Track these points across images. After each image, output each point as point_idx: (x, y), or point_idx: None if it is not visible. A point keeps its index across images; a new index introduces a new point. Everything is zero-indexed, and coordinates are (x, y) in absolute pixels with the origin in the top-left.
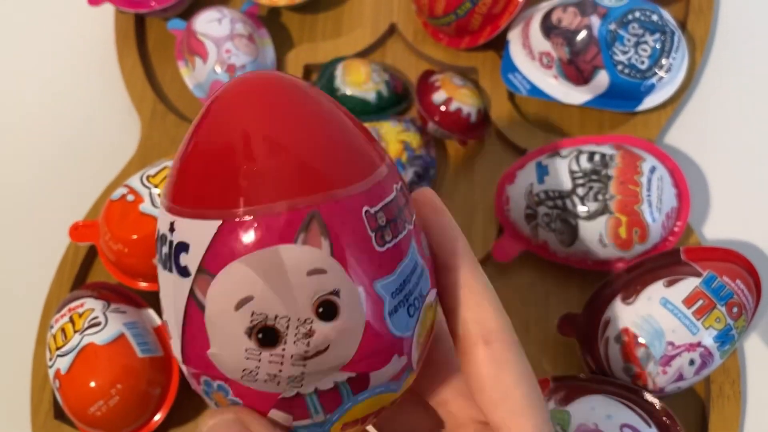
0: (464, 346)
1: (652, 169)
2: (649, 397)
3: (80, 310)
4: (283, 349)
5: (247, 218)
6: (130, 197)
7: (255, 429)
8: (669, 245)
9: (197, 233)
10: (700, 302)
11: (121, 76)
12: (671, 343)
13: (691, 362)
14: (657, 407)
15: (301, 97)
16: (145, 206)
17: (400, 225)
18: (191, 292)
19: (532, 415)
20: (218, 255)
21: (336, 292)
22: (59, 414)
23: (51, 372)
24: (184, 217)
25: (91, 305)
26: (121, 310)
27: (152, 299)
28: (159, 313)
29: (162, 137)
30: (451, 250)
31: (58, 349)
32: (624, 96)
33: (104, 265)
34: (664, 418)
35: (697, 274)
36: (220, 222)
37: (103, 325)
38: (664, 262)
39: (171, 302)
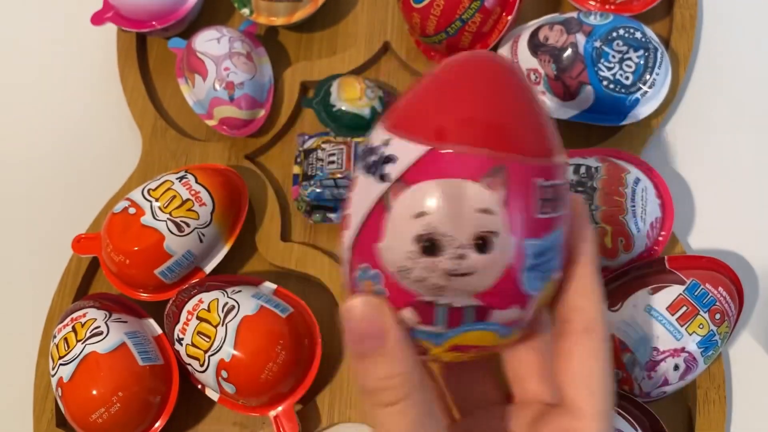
0: (567, 329)
1: (636, 181)
2: (635, 402)
3: (82, 320)
4: (438, 261)
5: (450, 152)
6: (132, 210)
7: (388, 317)
8: (654, 254)
9: (407, 152)
10: (683, 309)
11: (123, 93)
12: (656, 349)
13: (676, 367)
14: (643, 412)
15: (516, 79)
16: (146, 219)
17: (558, 206)
18: (384, 194)
19: (604, 399)
20: (417, 172)
21: (494, 233)
22: (61, 422)
23: (54, 380)
24: (400, 137)
25: (93, 315)
26: (123, 320)
27: (153, 309)
28: (159, 322)
29: (162, 152)
30: (579, 246)
31: (60, 358)
32: (609, 110)
33: (106, 276)
34: (650, 423)
35: (681, 282)
36: (428, 148)
37: (104, 334)
38: (648, 270)
39: (362, 199)
